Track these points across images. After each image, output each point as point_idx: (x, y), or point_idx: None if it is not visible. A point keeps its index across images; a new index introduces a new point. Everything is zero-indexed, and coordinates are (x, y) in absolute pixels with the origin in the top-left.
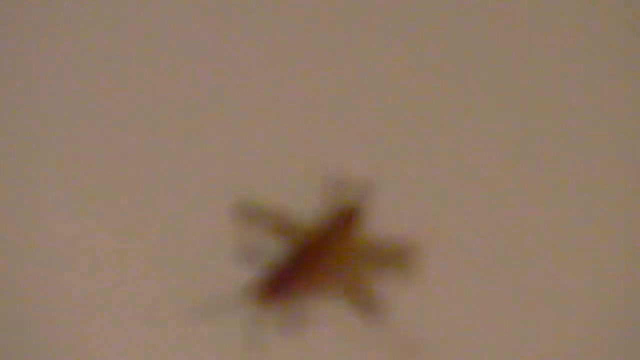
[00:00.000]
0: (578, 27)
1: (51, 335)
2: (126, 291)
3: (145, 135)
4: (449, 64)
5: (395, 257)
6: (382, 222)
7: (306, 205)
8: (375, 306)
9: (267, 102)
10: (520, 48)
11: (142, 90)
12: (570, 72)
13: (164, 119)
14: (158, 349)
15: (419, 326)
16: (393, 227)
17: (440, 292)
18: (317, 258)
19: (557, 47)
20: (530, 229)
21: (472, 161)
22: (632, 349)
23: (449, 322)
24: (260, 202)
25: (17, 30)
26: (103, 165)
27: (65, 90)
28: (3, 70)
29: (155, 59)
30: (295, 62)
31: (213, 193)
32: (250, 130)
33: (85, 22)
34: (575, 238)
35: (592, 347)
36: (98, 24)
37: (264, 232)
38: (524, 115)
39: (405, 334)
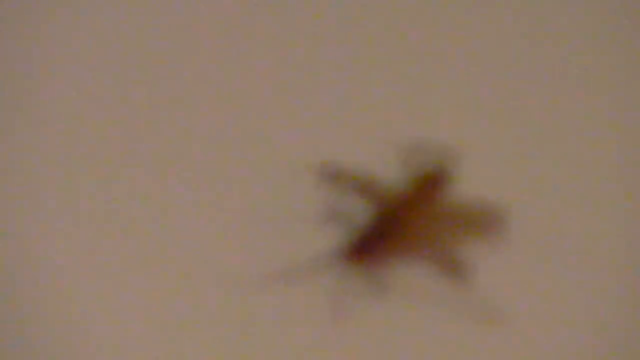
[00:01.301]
0: None
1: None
2: (208, 255)
3: (230, 93)
4: (531, 30)
5: (481, 223)
6: (469, 187)
7: (392, 170)
8: (461, 271)
9: (351, 63)
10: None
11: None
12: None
13: (246, 80)
14: (241, 313)
15: (504, 293)
16: (479, 193)
17: (524, 260)
18: (402, 222)
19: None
20: (618, 197)
21: (561, 129)
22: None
23: (532, 290)
24: (345, 165)
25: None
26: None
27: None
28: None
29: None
30: (378, 22)
31: (298, 155)
32: (337, 96)
33: None
34: None
35: None
36: None
37: (350, 195)
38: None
39: (490, 301)
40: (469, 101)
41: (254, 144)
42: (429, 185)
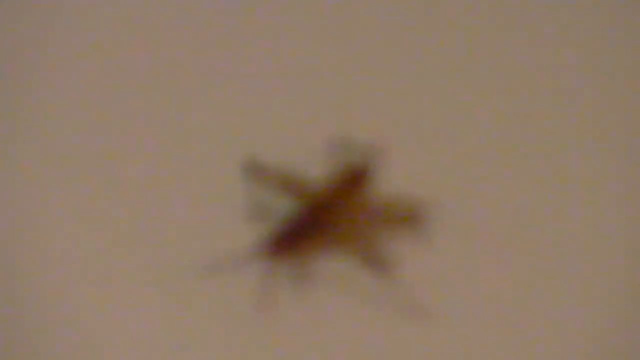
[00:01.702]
0: None
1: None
2: (134, 250)
3: (154, 92)
4: (459, 26)
5: (405, 217)
6: (392, 183)
7: (316, 165)
8: (384, 266)
9: (277, 61)
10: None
11: (148, 47)
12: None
13: (174, 75)
14: (168, 308)
15: (427, 287)
16: (403, 188)
17: (448, 254)
18: (326, 216)
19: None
20: (541, 193)
21: (483, 122)
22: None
23: (456, 284)
24: (269, 161)
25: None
26: (109, 121)
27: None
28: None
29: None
30: (306, 21)
31: (223, 151)
32: (261, 90)
33: None
34: (581, 201)
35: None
36: None
37: (273, 190)
38: (533, 77)
39: (413, 295)
40: (392, 97)
41: (181, 140)
42: (352, 180)
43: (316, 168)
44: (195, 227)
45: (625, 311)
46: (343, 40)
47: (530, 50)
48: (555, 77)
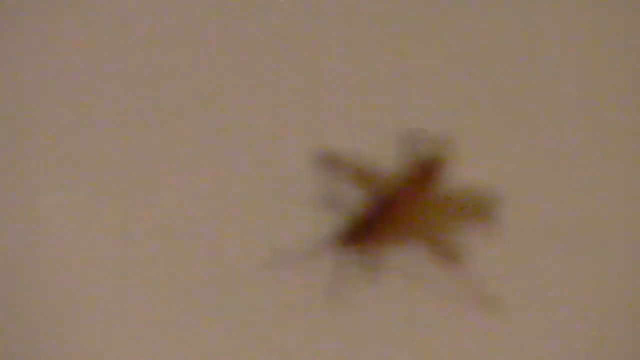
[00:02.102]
0: None
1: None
2: (207, 237)
3: (224, 73)
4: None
5: (475, 210)
6: (463, 175)
7: (388, 157)
8: (454, 258)
9: (347, 46)
10: None
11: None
12: None
13: (245, 57)
14: (237, 297)
15: (496, 281)
16: (474, 180)
17: (518, 247)
18: (397, 208)
19: None
20: (614, 190)
21: (554, 115)
22: None
23: (525, 279)
24: (342, 152)
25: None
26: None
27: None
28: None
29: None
30: (374, 8)
31: (296, 142)
32: (334, 83)
33: None
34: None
35: None
36: None
37: (345, 181)
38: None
39: (482, 288)
40: (463, 88)
41: (254, 130)
42: (423, 171)
43: (388, 159)
44: (264, 219)
45: None
46: (414, 29)
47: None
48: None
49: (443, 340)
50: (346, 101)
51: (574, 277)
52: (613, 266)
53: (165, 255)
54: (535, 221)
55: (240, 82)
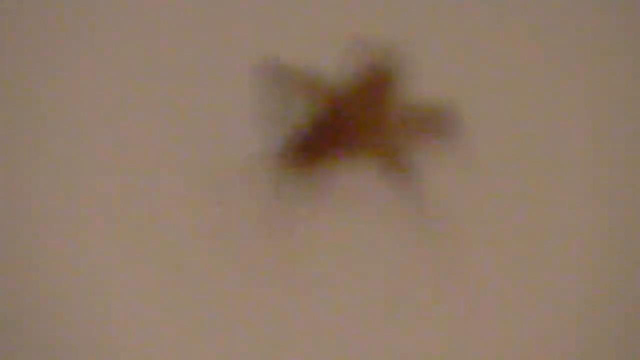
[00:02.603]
0: None
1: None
2: (152, 159)
3: None
4: None
5: (432, 124)
6: (418, 88)
7: (337, 67)
8: (410, 176)
9: None
10: None
11: None
12: None
13: None
14: (184, 213)
15: (455, 200)
16: (430, 93)
17: (478, 165)
18: (346, 121)
19: None
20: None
21: (507, 35)
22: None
23: (486, 198)
24: (286, 62)
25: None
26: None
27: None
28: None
29: None
30: None
31: (236, 53)
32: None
33: None
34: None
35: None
36: None
37: (291, 92)
38: None
39: (439, 208)
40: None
41: (194, 41)
42: (375, 82)
43: (337, 69)
44: (205, 133)
45: None
46: None
47: None
48: None
49: (390, 265)
50: (295, 8)
51: (533, 203)
52: (575, 191)
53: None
54: (493, 142)
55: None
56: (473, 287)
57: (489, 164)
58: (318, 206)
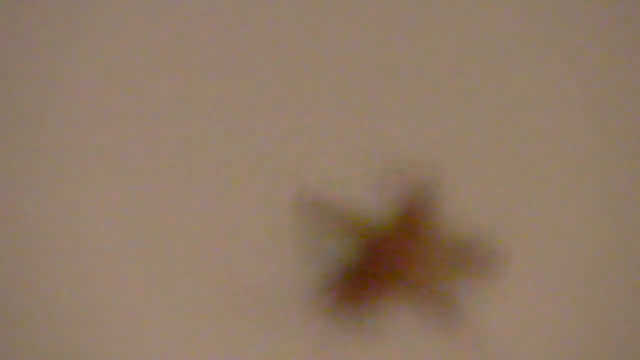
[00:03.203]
0: None
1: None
2: (187, 290)
3: (206, 123)
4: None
5: (473, 259)
6: (457, 222)
7: (375, 200)
8: (455, 310)
9: (332, 88)
10: None
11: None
12: None
13: (222, 106)
14: (223, 352)
15: (502, 334)
16: (468, 227)
17: (523, 297)
18: (387, 259)
19: None
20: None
21: (551, 158)
22: None
23: (534, 332)
24: (326, 198)
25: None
26: (158, 153)
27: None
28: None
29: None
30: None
31: (274, 188)
32: (317, 121)
33: None
34: None
35: None
36: None
37: (331, 231)
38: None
39: (487, 344)
40: (451, 122)
41: (232, 175)
42: (414, 214)
43: (376, 202)
44: (244, 269)
45: None
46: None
47: None
48: None
49: None
50: (328, 141)
51: (583, 324)
52: (621, 310)
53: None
54: (540, 263)
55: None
56: None
57: (528, 290)
58: (361, 343)
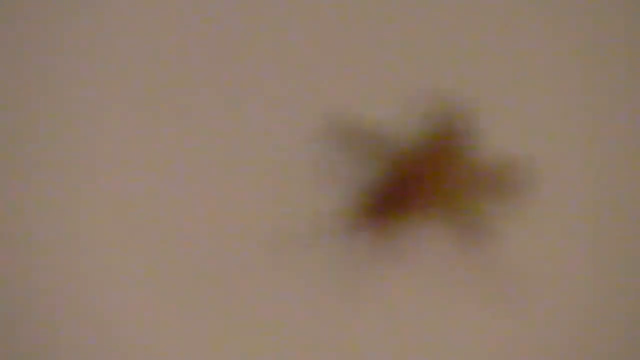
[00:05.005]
0: None
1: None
2: (211, 214)
3: (228, 45)
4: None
5: (504, 182)
6: (489, 147)
7: (406, 125)
8: (481, 236)
9: (365, 17)
10: None
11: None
12: None
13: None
14: (248, 278)
15: (525, 259)
16: (501, 150)
17: (546, 223)
18: (417, 182)
19: None
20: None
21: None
22: None
23: (554, 256)
24: (354, 122)
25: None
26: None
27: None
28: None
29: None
30: None
31: (302, 112)
32: (349, 49)
33: None
34: None
35: None
36: None
37: (359, 155)
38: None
39: (511, 270)
40: (487, 56)
41: (254, 97)
42: (446, 141)
43: (407, 128)
44: (269, 195)
45: None
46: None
47: None
48: None
49: (468, 330)
50: (361, 66)
51: (603, 266)
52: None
53: (165, 237)
54: (567, 202)
55: (247, 48)
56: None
57: (560, 226)
58: (387, 266)
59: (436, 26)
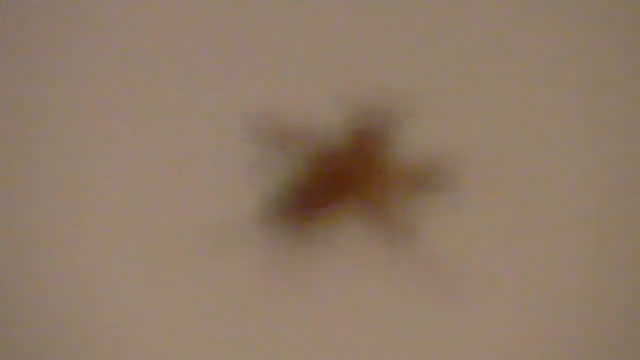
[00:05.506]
0: None
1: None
2: (144, 213)
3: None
4: None
5: (427, 180)
6: (413, 143)
7: (330, 120)
8: (403, 233)
9: (294, 13)
10: None
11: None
12: None
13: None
14: (171, 277)
15: (451, 256)
16: (424, 149)
17: (473, 220)
18: (341, 178)
19: None
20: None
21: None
22: None
23: (482, 253)
24: (279, 117)
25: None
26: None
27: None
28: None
29: None
30: None
31: (227, 106)
32: (276, 45)
33: None
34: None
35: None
36: None
37: (282, 149)
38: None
39: (436, 265)
40: (420, 49)
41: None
42: (370, 136)
43: (332, 121)
44: (195, 190)
45: None
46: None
47: None
48: None
49: (394, 321)
50: (290, 63)
51: (534, 252)
52: (575, 243)
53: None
54: (493, 189)
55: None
56: (474, 337)
57: (485, 209)
58: (313, 260)
59: (366, 20)
